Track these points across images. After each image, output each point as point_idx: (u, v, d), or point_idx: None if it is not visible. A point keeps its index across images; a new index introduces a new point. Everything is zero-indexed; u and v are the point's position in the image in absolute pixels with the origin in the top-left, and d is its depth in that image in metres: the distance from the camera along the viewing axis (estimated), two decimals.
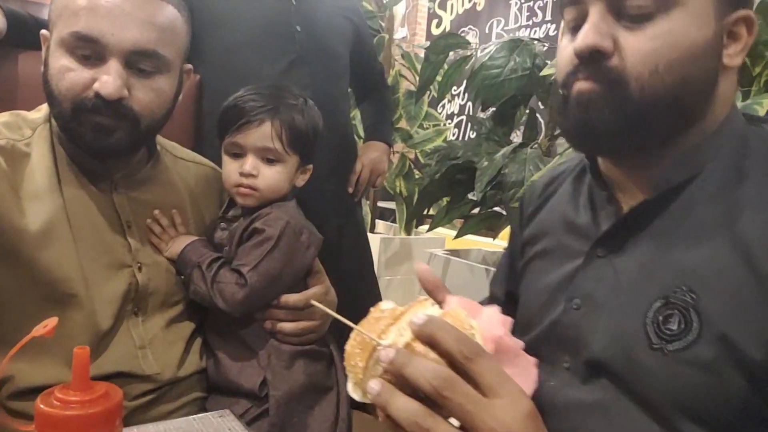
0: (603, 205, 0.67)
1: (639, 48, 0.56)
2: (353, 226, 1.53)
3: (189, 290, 0.91)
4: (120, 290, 0.84)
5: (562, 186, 0.77)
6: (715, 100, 0.60)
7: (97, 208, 0.85)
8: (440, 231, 2.14)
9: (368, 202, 2.73)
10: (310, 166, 1.02)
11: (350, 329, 0.49)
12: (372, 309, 0.51)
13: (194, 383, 0.90)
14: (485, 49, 1.69)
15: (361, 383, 0.47)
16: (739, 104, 1.13)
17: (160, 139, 0.99)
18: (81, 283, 0.80)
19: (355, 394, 0.48)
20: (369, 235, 2.35)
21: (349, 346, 0.48)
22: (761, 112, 1.05)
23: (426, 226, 2.19)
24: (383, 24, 2.72)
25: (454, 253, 2.17)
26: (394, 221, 2.98)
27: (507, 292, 0.86)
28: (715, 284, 0.55)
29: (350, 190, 1.52)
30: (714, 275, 0.55)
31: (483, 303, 0.93)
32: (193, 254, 0.90)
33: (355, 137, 2.27)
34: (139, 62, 0.79)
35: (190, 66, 0.94)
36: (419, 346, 0.45)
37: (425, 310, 0.48)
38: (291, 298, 0.93)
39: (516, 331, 0.77)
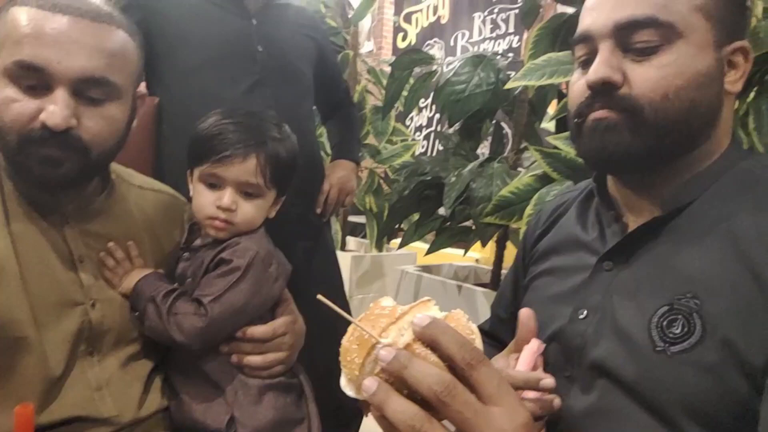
0: (610, 223, 0.72)
1: (648, 77, 0.62)
2: (322, 248, 1.50)
3: (144, 328, 0.86)
4: (72, 330, 0.80)
5: (568, 211, 0.82)
6: (719, 123, 0.65)
7: (47, 244, 0.81)
8: (413, 244, 2.13)
9: (338, 219, 2.70)
10: (283, 198, 0.99)
11: (336, 337, 0.48)
12: (372, 305, 0.49)
13: (156, 424, 0.86)
14: (450, 64, 1.70)
15: (356, 380, 0.46)
16: None
17: (115, 167, 0.95)
18: (31, 325, 0.76)
19: (349, 390, 0.47)
20: (340, 253, 2.33)
21: (347, 341, 0.47)
22: None
23: (399, 239, 2.17)
24: (348, 39, 2.71)
25: (426, 268, 2.16)
26: (365, 236, 2.96)
27: (512, 313, 0.86)
28: (719, 291, 0.58)
29: (318, 211, 1.49)
30: (717, 282, 0.58)
31: (485, 325, 0.94)
32: (147, 288, 0.86)
33: (323, 155, 2.26)
34: (87, 90, 0.76)
35: (143, 91, 0.91)
36: (419, 348, 0.44)
37: (428, 311, 0.47)
38: (257, 330, 0.90)
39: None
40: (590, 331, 0.66)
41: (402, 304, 0.48)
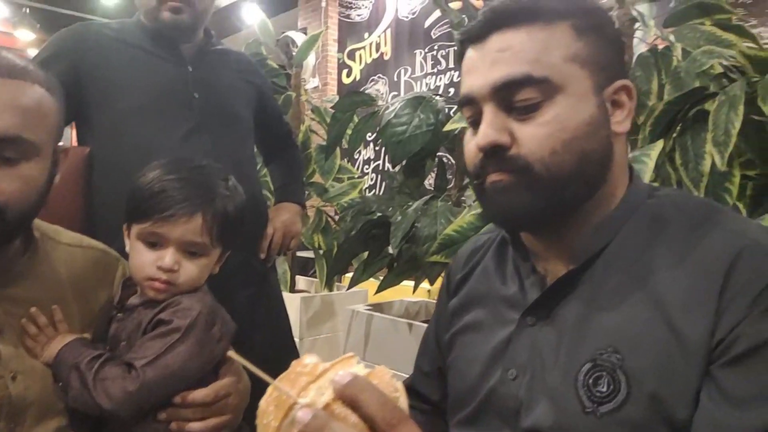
0: (528, 274, 0.71)
1: (533, 136, 0.62)
2: (267, 293, 1.46)
3: (69, 398, 0.80)
4: None
5: (486, 256, 0.80)
6: (612, 165, 0.66)
7: None
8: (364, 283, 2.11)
9: (286, 258, 2.66)
10: (228, 252, 0.95)
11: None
12: (294, 362, 0.47)
13: None
14: (391, 106, 1.72)
15: None
16: (628, 154, 1.19)
17: (39, 224, 0.90)
18: None
19: None
20: (288, 295, 2.28)
21: (264, 402, 0.45)
22: (650, 165, 1.11)
23: (350, 274, 2.15)
24: (292, 78, 2.72)
25: (377, 307, 2.14)
26: (315, 274, 2.92)
27: (438, 368, 0.84)
28: (639, 344, 0.58)
29: (262, 256, 1.46)
30: (636, 335, 0.58)
31: (407, 380, 0.90)
32: (69, 355, 0.80)
33: (268, 195, 2.23)
34: (1, 150, 0.72)
35: (65, 146, 0.87)
36: (339, 408, 0.43)
37: (350, 368, 0.46)
38: (198, 395, 0.84)
39: (451, 407, 0.76)
40: (522, 394, 0.65)
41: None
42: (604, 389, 0.58)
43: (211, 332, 0.85)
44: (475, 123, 0.66)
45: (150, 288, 0.86)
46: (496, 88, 0.63)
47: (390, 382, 0.46)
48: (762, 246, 0.57)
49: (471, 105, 0.66)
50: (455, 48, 4.14)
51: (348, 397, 0.43)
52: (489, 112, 0.64)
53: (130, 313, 0.88)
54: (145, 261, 0.85)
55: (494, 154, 0.63)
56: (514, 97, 0.62)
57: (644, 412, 0.56)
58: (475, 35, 0.66)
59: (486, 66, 0.64)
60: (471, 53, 0.67)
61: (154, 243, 0.85)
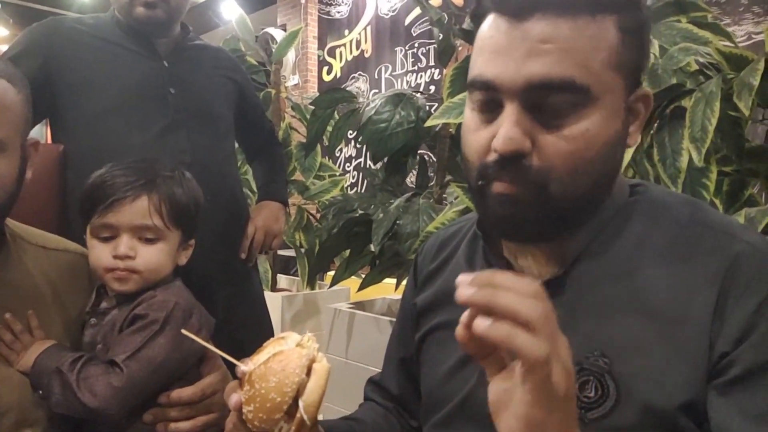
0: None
1: (557, 149, 0.55)
2: (248, 294, 1.45)
3: (51, 404, 0.78)
4: None
5: (457, 251, 0.76)
6: (617, 176, 0.62)
7: None
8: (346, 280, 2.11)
9: (267, 257, 2.64)
10: (192, 242, 0.94)
11: None
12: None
13: None
14: (372, 103, 1.71)
15: None
16: None
17: (11, 225, 0.87)
18: None
19: None
20: (270, 294, 2.26)
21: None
22: (627, 161, 1.12)
23: (332, 272, 2.14)
24: (272, 75, 2.69)
25: (359, 305, 2.13)
26: (297, 273, 2.90)
27: (400, 359, 0.82)
28: (627, 349, 0.56)
29: (243, 255, 1.44)
30: (625, 340, 0.56)
31: (378, 374, 0.89)
32: (49, 361, 0.79)
33: (250, 194, 2.21)
34: None
35: (35, 139, 0.84)
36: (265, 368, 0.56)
37: (281, 346, 0.57)
38: (184, 393, 0.83)
39: (424, 409, 0.74)
40: None
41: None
42: (592, 394, 0.56)
43: (189, 323, 0.84)
44: (486, 107, 0.58)
45: (112, 279, 0.85)
46: (532, 86, 0.54)
47: (296, 363, 0.55)
48: (758, 249, 0.56)
49: (488, 90, 0.57)
50: (435, 45, 4.13)
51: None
52: (515, 110, 0.55)
53: (103, 317, 0.86)
54: (101, 254, 0.85)
55: (511, 160, 0.56)
56: (546, 100, 0.55)
57: (634, 420, 0.54)
58: (514, 8, 0.55)
59: (522, 54, 0.54)
60: (503, 27, 0.56)
61: (107, 237, 0.85)
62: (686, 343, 0.54)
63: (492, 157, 0.57)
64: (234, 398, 0.57)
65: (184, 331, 0.59)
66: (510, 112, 0.56)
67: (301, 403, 0.55)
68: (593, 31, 0.55)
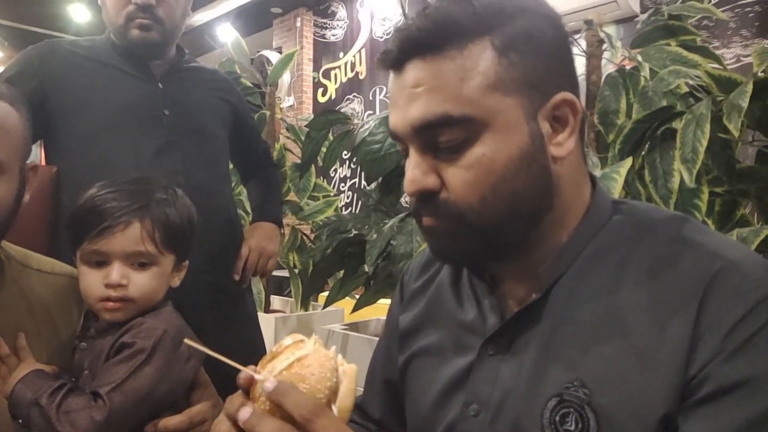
0: (485, 295, 0.66)
1: (461, 180, 0.57)
2: (240, 316, 1.43)
3: None
4: None
5: (441, 272, 0.75)
6: (559, 190, 0.60)
7: None
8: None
9: (261, 280, 2.62)
10: (186, 263, 0.93)
11: None
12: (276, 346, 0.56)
13: None
14: (366, 124, 1.72)
15: None
16: (598, 172, 1.21)
17: (6, 248, 0.87)
18: None
19: None
20: (263, 315, 2.24)
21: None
22: (619, 182, 1.13)
23: (326, 293, 2.13)
24: (267, 97, 2.71)
25: (353, 326, 2.12)
26: (290, 294, 2.88)
27: (385, 381, 0.80)
28: (607, 378, 0.54)
29: (236, 277, 1.43)
30: (604, 367, 0.55)
31: (360, 396, 0.87)
32: (27, 390, 0.76)
33: (244, 215, 2.20)
34: None
35: (34, 163, 0.84)
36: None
37: (300, 350, 0.53)
38: (171, 422, 0.81)
39: None
40: (485, 431, 0.61)
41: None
42: (572, 428, 0.54)
43: (178, 352, 0.82)
44: (407, 154, 0.61)
45: (104, 310, 0.82)
46: (416, 128, 0.57)
47: (325, 366, 0.53)
48: (737, 267, 0.53)
49: (398, 139, 0.61)
50: None
51: (273, 399, 0.50)
52: (414, 153, 0.59)
53: (92, 342, 0.85)
54: (93, 282, 0.82)
55: (424, 198, 0.59)
56: (437, 138, 0.57)
57: None
58: (392, 62, 0.59)
59: (404, 102, 0.58)
60: (391, 82, 0.61)
61: (99, 262, 0.83)
62: (664, 368, 0.52)
63: (410, 196, 0.61)
64: (244, 413, 0.51)
65: (187, 341, 0.56)
66: (411, 156, 0.60)
67: (335, 408, 0.52)
68: (462, 61, 0.55)
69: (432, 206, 0.59)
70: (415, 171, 0.58)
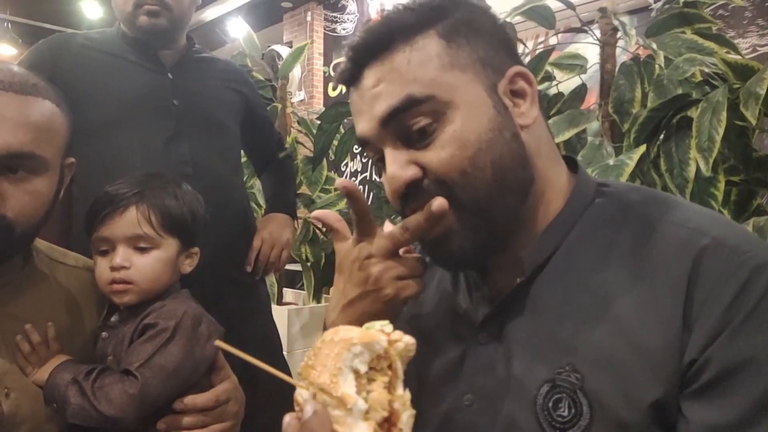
0: (477, 285, 0.67)
1: (438, 160, 0.58)
2: (254, 307, 1.45)
3: (66, 416, 0.78)
4: None
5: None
6: (534, 161, 0.61)
7: None
8: None
9: (274, 272, 2.64)
10: (196, 249, 0.95)
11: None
12: (330, 331, 0.47)
13: None
14: None
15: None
16: (612, 161, 1.20)
17: (41, 243, 0.89)
18: None
19: None
20: (275, 308, 2.26)
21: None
22: (631, 166, 1.12)
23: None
24: (278, 90, 2.71)
25: None
26: (302, 287, 2.89)
27: None
28: (598, 362, 0.54)
29: (249, 268, 1.43)
30: (594, 351, 0.55)
31: None
32: (64, 373, 0.79)
33: (257, 208, 2.21)
34: (12, 166, 0.71)
35: (72, 159, 0.86)
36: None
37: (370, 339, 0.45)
38: (199, 399, 0.84)
39: None
40: (479, 421, 0.61)
41: None
42: (566, 413, 0.54)
43: (198, 330, 0.85)
44: (380, 161, 0.63)
45: (112, 293, 0.86)
46: (384, 121, 0.60)
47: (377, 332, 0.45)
48: (723, 244, 0.53)
49: (370, 146, 0.63)
50: None
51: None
52: (389, 151, 0.61)
53: (113, 331, 0.88)
54: (101, 268, 0.87)
55: (410, 194, 0.60)
56: (407, 125, 0.59)
57: None
58: (348, 78, 0.63)
59: (368, 106, 0.61)
60: (353, 96, 0.64)
61: (105, 250, 0.88)
62: (655, 353, 0.52)
63: (397, 199, 0.62)
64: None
65: (218, 343, 0.55)
66: (387, 154, 0.61)
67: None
68: (412, 53, 0.59)
69: (419, 196, 0.59)
70: (393, 167, 0.60)
